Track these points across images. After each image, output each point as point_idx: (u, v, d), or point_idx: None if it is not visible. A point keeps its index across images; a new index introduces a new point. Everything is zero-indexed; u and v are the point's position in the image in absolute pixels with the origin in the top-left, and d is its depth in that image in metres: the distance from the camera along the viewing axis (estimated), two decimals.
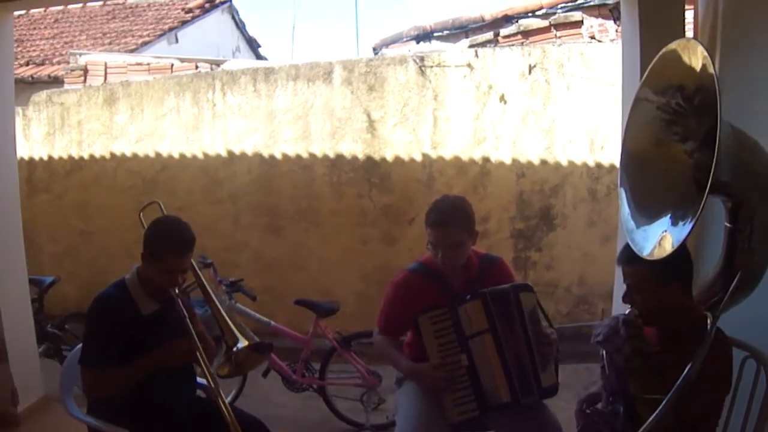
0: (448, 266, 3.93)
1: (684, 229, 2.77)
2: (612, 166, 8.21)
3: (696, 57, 2.77)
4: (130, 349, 3.48)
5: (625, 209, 3.23)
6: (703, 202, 2.61)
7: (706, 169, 2.66)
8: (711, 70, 2.64)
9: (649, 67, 3.15)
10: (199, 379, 4.07)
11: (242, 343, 3.70)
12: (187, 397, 3.89)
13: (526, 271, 8.41)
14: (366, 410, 6.04)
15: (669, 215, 2.97)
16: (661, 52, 3.07)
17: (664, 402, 2.71)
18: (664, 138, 3.17)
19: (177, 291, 3.64)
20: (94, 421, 3.60)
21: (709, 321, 2.94)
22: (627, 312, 3.24)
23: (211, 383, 3.65)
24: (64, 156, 9.21)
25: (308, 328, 6.24)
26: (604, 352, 3.32)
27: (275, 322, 6.27)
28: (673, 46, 3.00)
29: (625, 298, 3.22)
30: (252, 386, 6.25)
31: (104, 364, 3.44)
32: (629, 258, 3.10)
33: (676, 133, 3.10)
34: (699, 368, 2.73)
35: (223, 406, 3.58)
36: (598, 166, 8.32)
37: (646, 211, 3.13)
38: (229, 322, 3.76)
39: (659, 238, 2.91)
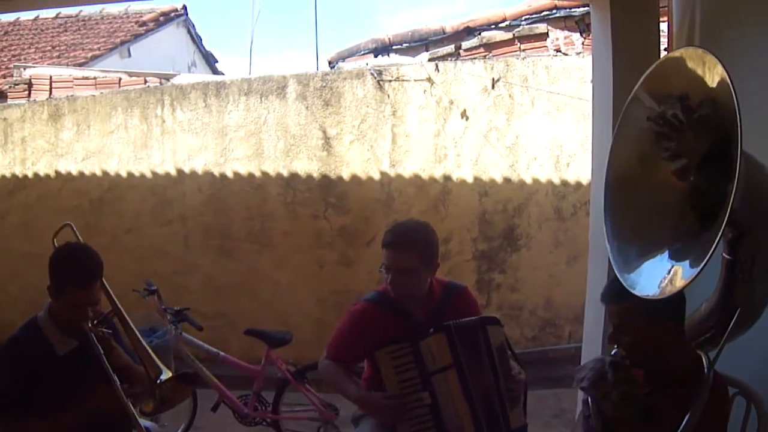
0: (397, 294, 3.71)
1: (693, 267, 2.52)
2: (578, 184, 8.10)
3: (711, 71, 2.52)
4: (48, 394, 3.20)
5: (609, 244, 2.99)
6: (718, 237, 2.36)
7: (708, 194, 2.40)
8: (729, 87, 2.38)
9: (648, 71, 2.93)
10: (144, 423, 3.75)
11: (165, 374, 3.45)
12: None
13: (489, 294, 8.22)
14: None
15: (666, 250, 2.75)
16: (663, 58, 2.95)
17: None
18: (651, 154, 2.95)
19: (90, 325, 3.34)
20: None
21: (705, 362, 2.74)
22: (613, 352, 2.93)
23: (136, 424, 3.37)
24: (7, 174, 8.86)
25: (262, 356, 6.05)
26: (589, 398, 3.01)
27: (228, 350, 6.16)
28: (678, 53, 2.85)
29: (611, 339, 2.94)
30: (203, 420, 6.08)
31: (18, 418, 3.15)
32: (617, 295, 2.85)
33: (666, 149, 2.87)
34: (698, 418, 2.55)
35: None
36: (564, 184, 8.17)
37: (636, 245, 2.91)
38: (151, 354, 3.51)
39: (669, 274, 2.66)
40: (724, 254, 2.85)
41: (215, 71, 16.26)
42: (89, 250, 3.45)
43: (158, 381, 3.42)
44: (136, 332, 3.60)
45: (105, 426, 3.33)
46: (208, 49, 16.45)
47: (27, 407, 3.14)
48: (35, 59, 12.45)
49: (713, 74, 2.49)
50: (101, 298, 3.46)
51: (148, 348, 3.53)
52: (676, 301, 2.78)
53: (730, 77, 2.37)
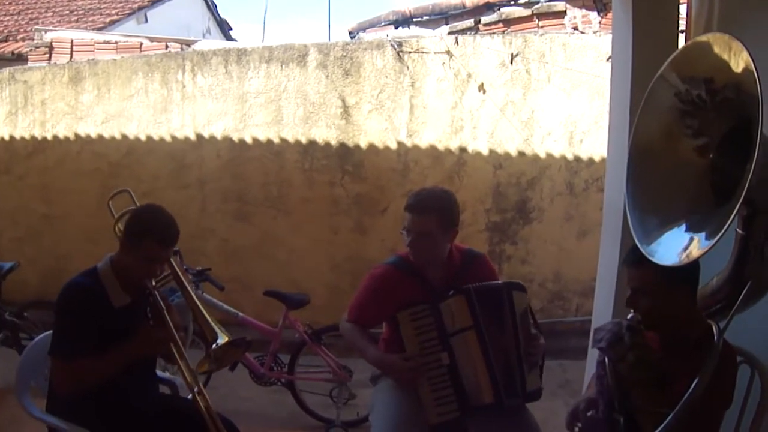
0: (416, 256, 3.80)
1: (709, 239, 2.62)
2: (591, 160, 8.15)
3: (737, 57, 2.60)
4: (100, 342, 3.27)
5: (630, 212, 3.09)
6: (734, 212, 2.48)
7: (726, 172, 2.53)
8: (754, 74, 2.47)
9: (675, 53, 3.02)
10: (161, 374, 3.92)
11: (222, 339, 3.50)
12: (150, 394, 3.69)
13: (500, 265, 8.24)
14: (336, 406, 5.96)
15: (684, 222, 2.86)
16: (691, 41, 2.98)
17: (669, 417, 2.61)
18: (674, 131, 3.03)
19: (153, 283, 3.44)
20: (54, 420, 3.38)
21: (715, 330, 2.83)
22: (629, 317, 3.05)
23: (189, 379, 3.49)
24: (27, 136, 8.91)
25: (276, 319, 6.14)
26: (605, 359, 3.13)
27: (243, 313, 6.14)
28: (705, 38, 2.90)
29: (629, 302, 3.04)
30: (218, 379, 6.10)
31: (77, 355, 3.22)
32: (637, 260, 2.95)
33: (689, 126, 2.95)
34: (706, 382, 2.62)
35: (203, 405, 3.43)
36: (577, 159, 8.21)
37: (656, 215, 3.00)
38: (208, 317, 3.56)
39: (688, 244, 2.76)
40: (738, 230, 2.95)
41: (229, 39, 16.30)
42: (171, 215, 3.50)
43: (214, 345, 3.49)
44: (194, 297, 3.64)
45: (132, 383, 3.44)
46: (222, 16, 16.49)
47: (79, 349, 3.21)
48: (53, 23, 12.51)
49: (738, 60, 2.56)
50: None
51: (204, 312, 3.57)
52: (693, 268, 2.88)
53: (755, 63, 2.45)
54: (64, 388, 3.33)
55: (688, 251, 2.71)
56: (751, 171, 2.38)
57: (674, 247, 2.79)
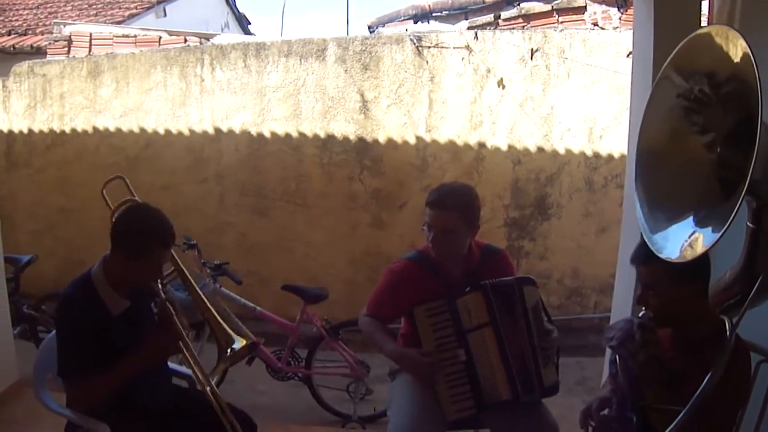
0: (438, 253, 3.75)
1: (715, 232, 2.57)
2: (610, 157, 8.10)
3: (735, 46, 2.55)
4: (103, 353, 3.19)
5: (640, 209, 3.04)
6: (738, 204, 2.41)
7: (732, 166, 2.52)
8: (751, 60, 2.42)
9: (677, 48, 2.93)
10: (176, 366, 3.88)
11: (238, 343, 3.49)
12: (163, 389, 3.65)
13: (518, 261, 8.25)
14: (353, 401, 5.95)
15: (691, 216, 2.80)
16: (692, 35, 2.87)
17: (681, 414, 2.55)
18: (680, 130, 2.98)
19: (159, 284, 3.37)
20: (72, 414, 3.34)
21: (727, 326, 2.80)
22: (641, 315, 3.03)
23: (201, 378, 3.43)
24: (45, 130, 8.96)
25: (293, 314, 6.13)
26: (617, 357, 3.11)
27: (260, 307, 6.14)
28: (706, 30, 2.84)
29: (640, 300, 3.03)
30: (235, 373, 6.00)
31: (85, 374, 3.14)
32: (645, 257, 2.92)
33: (695, 124, 2.92)
34: (718, 378, 2.57)
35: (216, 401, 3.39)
36: (596, 156, 8.17)
37: (665, 211, 2.94)
38: (222, 322, 3.53)
39: (689, 239, 2.72)
40: (748, 223, 2.91)
41: (248, 33, 16.34)
42: (159, 210, 3.37)
43: (229, 351, 3.46)
44: (203, 297, 3.61)
45: (147, 377, 3.36)
46: (240, 10, 16.53)
47: (86, 367, 3.13)
48: (72, 17, 12.54)
49: (737, 49, 2.53)
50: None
51: (218, 316, 3.55)
52: (703, 263, 2.86)
53: (751, 50, 2.41)
54: (81, 407, 3.30)
55: (691, 245, 2.68)
56: (753, 161, 2.34)
57: (680, 242, 2.76)
